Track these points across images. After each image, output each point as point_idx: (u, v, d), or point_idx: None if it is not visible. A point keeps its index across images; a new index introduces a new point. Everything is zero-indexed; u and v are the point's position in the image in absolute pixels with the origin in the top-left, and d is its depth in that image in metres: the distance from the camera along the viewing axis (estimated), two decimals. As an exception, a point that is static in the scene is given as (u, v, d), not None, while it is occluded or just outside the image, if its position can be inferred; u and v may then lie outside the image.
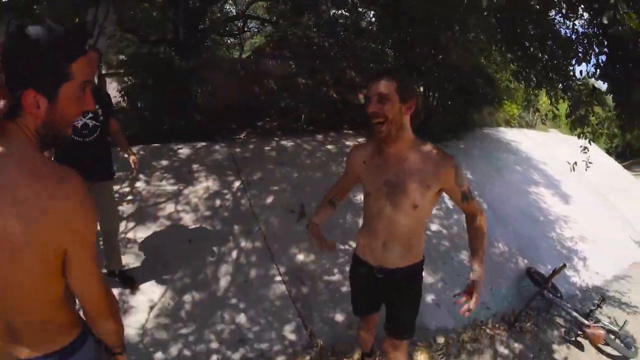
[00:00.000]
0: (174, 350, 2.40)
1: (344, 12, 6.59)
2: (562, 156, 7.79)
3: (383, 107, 1.41)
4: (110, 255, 2.77)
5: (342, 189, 1.85)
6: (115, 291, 2.70)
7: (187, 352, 2.40)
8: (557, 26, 3.27)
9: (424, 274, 3.28)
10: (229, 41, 9.80)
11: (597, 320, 3.10)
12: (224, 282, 2.92)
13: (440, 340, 2.83)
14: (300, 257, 3.29)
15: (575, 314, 3.17)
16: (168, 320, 2.58)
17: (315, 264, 3.22)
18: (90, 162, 2.44)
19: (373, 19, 6.83)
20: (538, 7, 2.99)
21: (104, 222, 2.67)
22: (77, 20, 6.10)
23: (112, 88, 7.07)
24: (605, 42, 2.79)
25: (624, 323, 3.07)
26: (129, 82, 6.16)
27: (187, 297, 2.75)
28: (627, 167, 10.56)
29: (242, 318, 2.67)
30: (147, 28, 6.64)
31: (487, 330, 3.06)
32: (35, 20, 0.76)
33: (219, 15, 8.17)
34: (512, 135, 8.09)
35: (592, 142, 4.08)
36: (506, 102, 7.74)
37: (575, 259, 4.54)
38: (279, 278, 3.05)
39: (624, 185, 7.78)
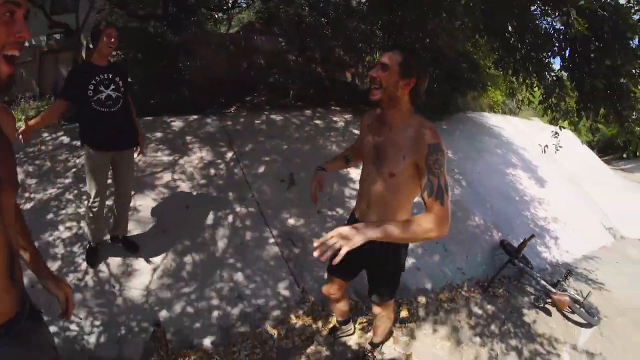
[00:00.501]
0: (177, 308, 2.56)
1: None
2: (541, 143, 8.10)
3: (381, 74, 1.47)
4: (119, 221, 2.87)
5: (355, 149, 1.96)
6: (119, 256, 2.86)
7: (189, 309, 2.56)
8: (538, 20, 3.48)
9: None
10: (217, 16, 9.62)
11: (564, 290, 3.33)
12: (221, 244, 3.09)
13: (420, 299, 3.08)
14: (292, 221, 3.49)
15: (543, 282, 3.41)
16: (171, 281, 2.73)
17: (305, 228, 3.43)
18: (115, 132, 2.52)
19: (363, 0, 6.88)
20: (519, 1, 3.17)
21: (121, 189, 2.75)
22: None
23: (100, 63, 6.92)
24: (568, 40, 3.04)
25: (588, 294, 3.34)
26: (119, 56, 6.07)
27: (187, 259, 2.90)
28: (608, 162, 10.89)
29: (239, 276, 2.85)
30: (138, 3, 6.49)
31: (463, 293, 3.31)
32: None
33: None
34: (495, 120, 8.31)
35: (562, 128, 4.34)
36: (490, 88, 7.95)
37: (547, 236, 4.78)
38: (272, 240, 3.24)
39: (601, 177, 8.06)
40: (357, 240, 1.23)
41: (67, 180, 3.62)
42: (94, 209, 2.63)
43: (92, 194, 2.60)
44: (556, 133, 4.17)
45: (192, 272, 2.82)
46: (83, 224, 2.87)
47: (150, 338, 2.34)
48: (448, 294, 3.23)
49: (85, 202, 2.68)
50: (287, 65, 6.54)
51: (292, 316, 2.65)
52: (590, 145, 11.99)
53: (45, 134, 4.54)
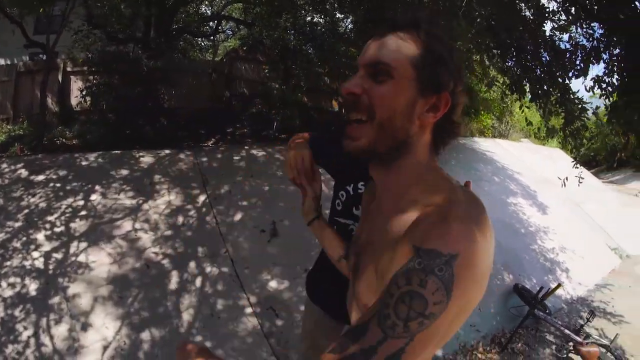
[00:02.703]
0: None
1: (321, 18, 6.43)
2: (535, 166, 8.02)
3: (373, 88, 0.62)
4: None
5: None
6: (64, 327, 2.45)
7: None
8: (554, 38, 3.15)
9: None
10: (202, 43, 9.45)
11: (588, 336, 3.09)
12: (187, 315, 2.62)
13: (431, 370, 2.61)
14: (273, 283, 3.03)
15: (567, 331, 3.11)
16: None
17: (291, 292, 2.96)
18: None
19: (350, 25, 6.69)
20: (532, 17, 2.87)
21: None
22: (41, 10, 5.65)
23: (77, 87, 6.60)
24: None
25: (615, 337, 3.02)
26: (94, 81, 5.74)
27: (145, 335, 2.44)
28: (595, 176, 10.97)
29: None
30: (116, 24, 6.23)
31: (479, 355, 2.91)
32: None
33: (193, 15, 7.83)
34: (486, 145, 8.22)
35: (577, 154, 4.07)
36: (483, 113, 7.83)
37: (558, 270, 4.52)
38: (249, 310, 2.78)
39: (595, 193, 7.99)
40: None
41: (18, 224, 3.30)
42: None
43: None
44: (577, 163, 3.82)
45: (150, 352, 2.34)
46: None
47: None
48: None
49: None
50: (271, 95, 6.22)
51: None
52: (575, 159, 12.01)
53: (5, 165, 4.27)
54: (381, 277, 0.59)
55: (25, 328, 2.43)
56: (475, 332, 3.13)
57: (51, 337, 2.38)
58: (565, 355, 3.04)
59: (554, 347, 3.17)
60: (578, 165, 3.71)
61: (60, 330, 2.43)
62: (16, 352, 2.29)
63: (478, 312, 3.31)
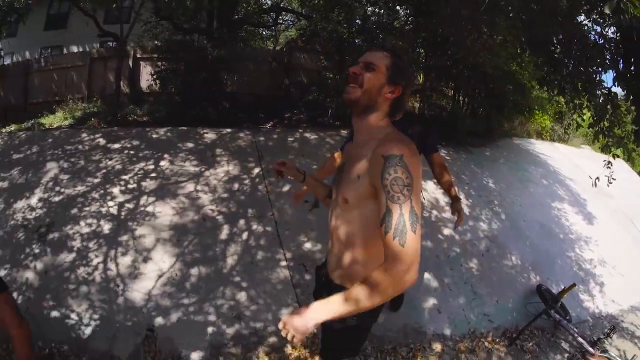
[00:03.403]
0: (173, 317, 2.58)
1: (377, 10, 6.57)
2: (591, 174, 7.43)
3: (365, 73, 1.20)
4: None
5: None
6: (129, 258, 2.93)
7: (185, 321, 2.57)
8: (586, 31, 3.11)
9: (428, 276, 3.31)
10: (263, 33, 9.94)
11: (604, 350, 2.91)
12: (230, 260, 3.04)
13: (436, 346, 2.78)
14: (308, 245, 3.35)
15: (581, 339, 2.97)
16: (173, 290, 2.75)
17: (322, 254, 3.25)
18: None
19: (405, 18, 6.74)
20: (566, 9, 2.86)
21: None
22: (114, 5, 6.44)
23: (147, 72, 7.44)
24: (621, 44, 2.62)
25: (633, 357, 2.88)
26: (162, 67, 6.40)
27: (194, 270, 2.90)
28: None
29: (242, 296, 2.78)
30: (180, 16, 6.86)
31: (486, 344, 2.94)
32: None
33: (254, 6, 8.31)
34: (542, 147, 7.78)
35: (616, 157, 3.77)
36: (537, 112, 7.42)
37: (591, 282, 4.25)
38: (284, 263, 3.13)
39: None
40: (305, 328, 1.06)
41: (96, 180, 3.82)
42: None
43: None
44: (609, 163, 3.59)
45: (195, 284, 2.82)
46: None
47: (142, 342, 2.41)
48: (469, 344, 2.89)
49: None
50: (326, 84, 6.54)
51: (289, 346, 2.51)
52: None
53: (84, 134, 4.88)
54: (356, 175, 1.18)
55: (96, 256, 2.93)
56: (488, 321, 3.16)
57: (117, 265, 2.89)
58: (575, 366, 2.88)
59: (566, 355, 3.04)
60: (610, 165, 3.51)
61: (125, 260, 2.92)
62: (86, 273, 2.81)
63: (494, 304, 3.34)
